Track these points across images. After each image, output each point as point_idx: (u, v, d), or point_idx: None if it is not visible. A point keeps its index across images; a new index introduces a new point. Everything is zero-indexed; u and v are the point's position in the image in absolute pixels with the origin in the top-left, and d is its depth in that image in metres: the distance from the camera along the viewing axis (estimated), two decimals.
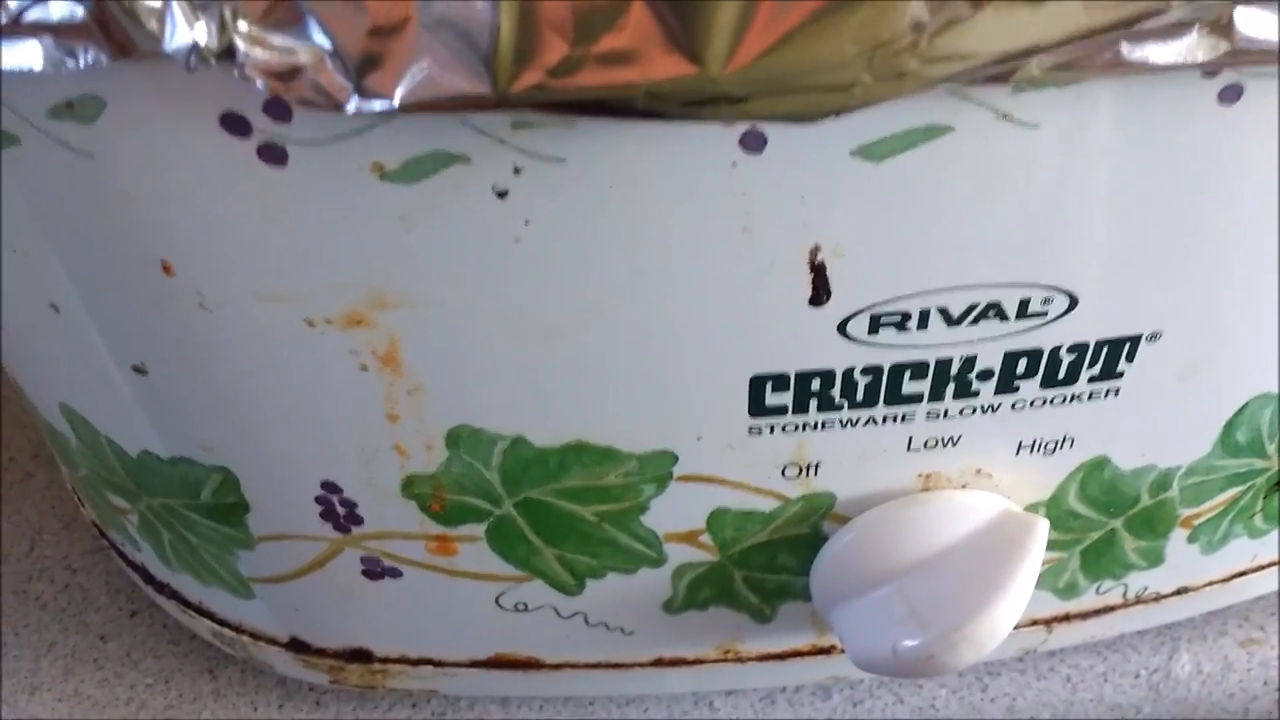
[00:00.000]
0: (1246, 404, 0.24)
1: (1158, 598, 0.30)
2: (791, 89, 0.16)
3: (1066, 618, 0.29)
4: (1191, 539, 0.28)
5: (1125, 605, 0.29)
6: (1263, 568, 0.30)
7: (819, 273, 0.20)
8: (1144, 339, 0.22)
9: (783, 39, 0.15)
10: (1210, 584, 0.30)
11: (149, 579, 0.31)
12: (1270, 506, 0.28)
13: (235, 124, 0.18)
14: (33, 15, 0.16)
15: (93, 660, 0.33)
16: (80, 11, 0.16)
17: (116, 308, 0.22)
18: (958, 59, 0.16)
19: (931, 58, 0.16)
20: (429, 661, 0.29)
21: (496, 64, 0.16)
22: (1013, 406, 0.23)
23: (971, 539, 0.24)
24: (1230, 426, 0.25)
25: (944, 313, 0.21)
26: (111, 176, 0.19)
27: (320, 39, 0.16)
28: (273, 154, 0.18)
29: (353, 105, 0.16)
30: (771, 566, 0.26)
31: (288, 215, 0.19)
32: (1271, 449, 0.26)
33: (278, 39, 0.16)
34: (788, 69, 0.16)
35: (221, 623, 0.30)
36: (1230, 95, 0.18)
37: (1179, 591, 0.30)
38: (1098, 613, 0.29)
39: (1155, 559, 0.28)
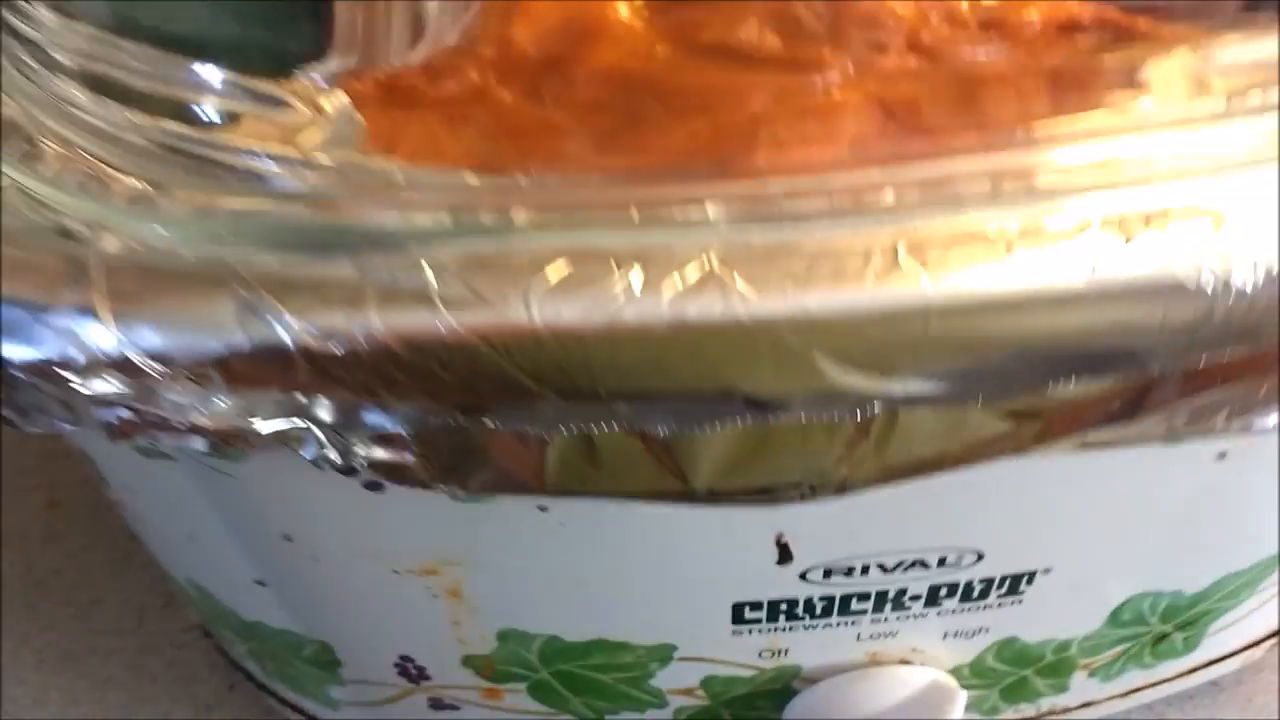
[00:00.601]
0: (1128, 599, 0.31)
1: (1066, 710, 0.36)
2: (750, 493, 0.22)
3: None
4: (1091, 675, 0.34)
5: (1039, 717, 0.36)
6: (1156, 684, 0.37)
7: (783, 548, 0.26)
8: (1039, 573, 0.28)
9: (741, 467, 0.21)
10: (1111, 698, 0.37)
11: (249, 676, 0.39)
12: (1158, 649, 0.34)
13: (347, 472, 0.24)
14: (201, 422, 0.22)
15: None
16: (241, 425, 0.22)
17: (245, 551, 0.28)
18: (881, 469, 0.22)
19: (857, 470, 0.22)
20: None
21: (545, 475, 0.22)
22: (938, 613, 0.30)
23: (907, 701, 0.31)
24: (1116, 612, 0.31)
25: (881, 566, 0.27)
26: (248, 488, 0.25)
27: (415, 453, 0.22)
28: (374, 487, 0.24)
29: (439, 489, 0.23)
30: (752, 709, 0.33)
31: (383, 518, 0.25)
32: (1153, 620, 0.32)
33: (383, 453, 0.22)
34: (747, 483, 0.22)
35: (311, 719, 0.37)
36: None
37: (1084, 705, 0.36)
38: None
39: (1061, 689, 0.35)
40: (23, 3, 0.25)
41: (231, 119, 0.23)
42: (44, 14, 0.25)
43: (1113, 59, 0.23)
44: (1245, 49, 0.23)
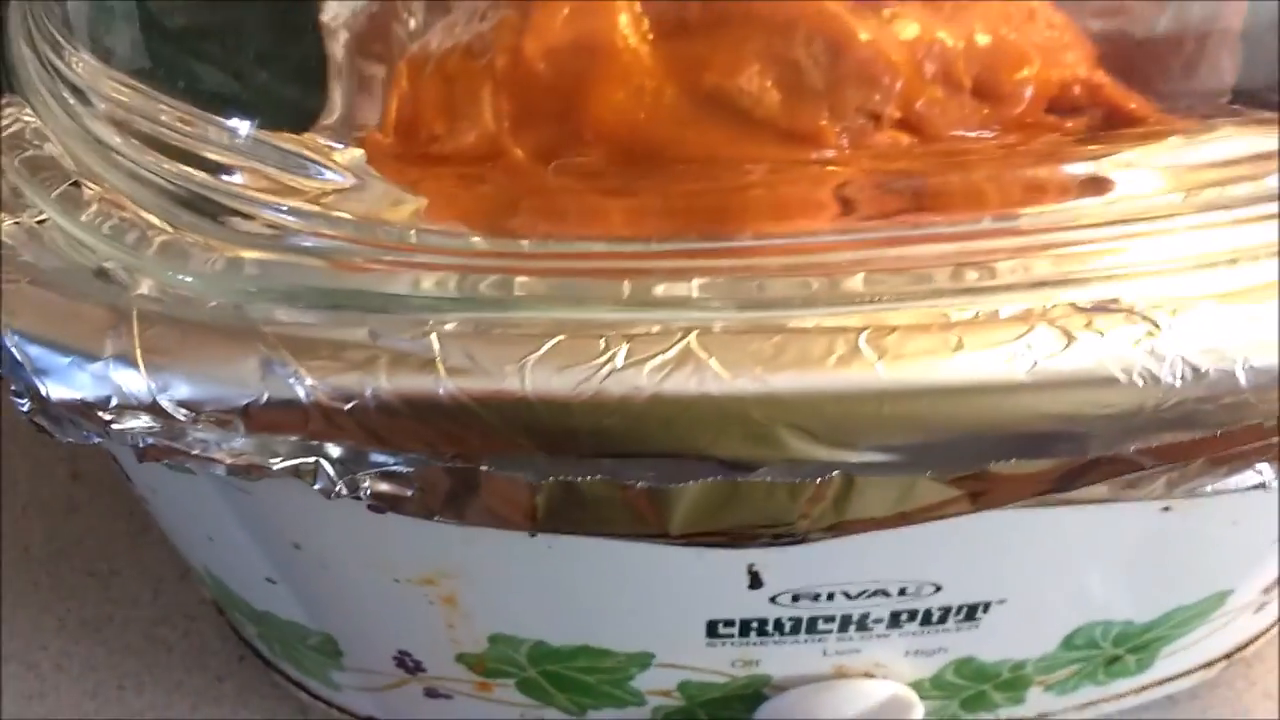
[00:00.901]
0: (1080, 626, 0.33)
1: None
2: (720, 537, 0.24)
3: None
4: (1047, 690, 0.37)
5: None
6: (1110, 700, 0.39)
7: (754, 575, 0.29)
8: (994, 603, 0.31)
9: (712, 516, 0.23)
10: (1066, 710, 0.39)
11: (256, 653, 0.41)
12: (1111, 669, 0.36)
13: (353, 498, 0.26)
14: (221, 456, 0.24)
15: (213, 698, 0.43)
16: (258, 461, 0.24)
17: (258, 553, 0.30)
18: (838, 524, 0.24)
19: (816, 523, 0.24)
20: None
21: (534, 512, 0.24)
22: (899, 634, 0.32)
23: (869, 711, 0.33)
24: (1069, 637, 0.33)
25: (845, 593, 0.29)
26: (262, 502, 0.28)
27: (415, 489, 0.24)
28: (378, 510, 0.27)
29: (437, 520, 0.25)
30: (726, 710, 0.35)
31: (385, 535, 0.28)
32: (1105, 645, 0.34)
33: (386, 487, 0.24)
34: (717, 530, 0.24)
35: (314, 697, 0.40)
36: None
37: (1040, 717, 0.39)
38: None
39: (1018, 702, 0.37)
40: (67, 47, 0.27)
41: (256, 173, 0.25)
42: (86, 59, 0.27)
43: (1097, 149, 0.25)
44: (1231, 144, 0.25)
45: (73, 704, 0.43)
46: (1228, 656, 0.40)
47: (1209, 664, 0.40)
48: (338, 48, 0.28)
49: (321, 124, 0.26)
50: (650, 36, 0.28)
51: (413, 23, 0.34)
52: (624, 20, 0.27)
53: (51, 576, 0.47)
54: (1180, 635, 0.35)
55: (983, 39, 0.28)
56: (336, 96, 0.28)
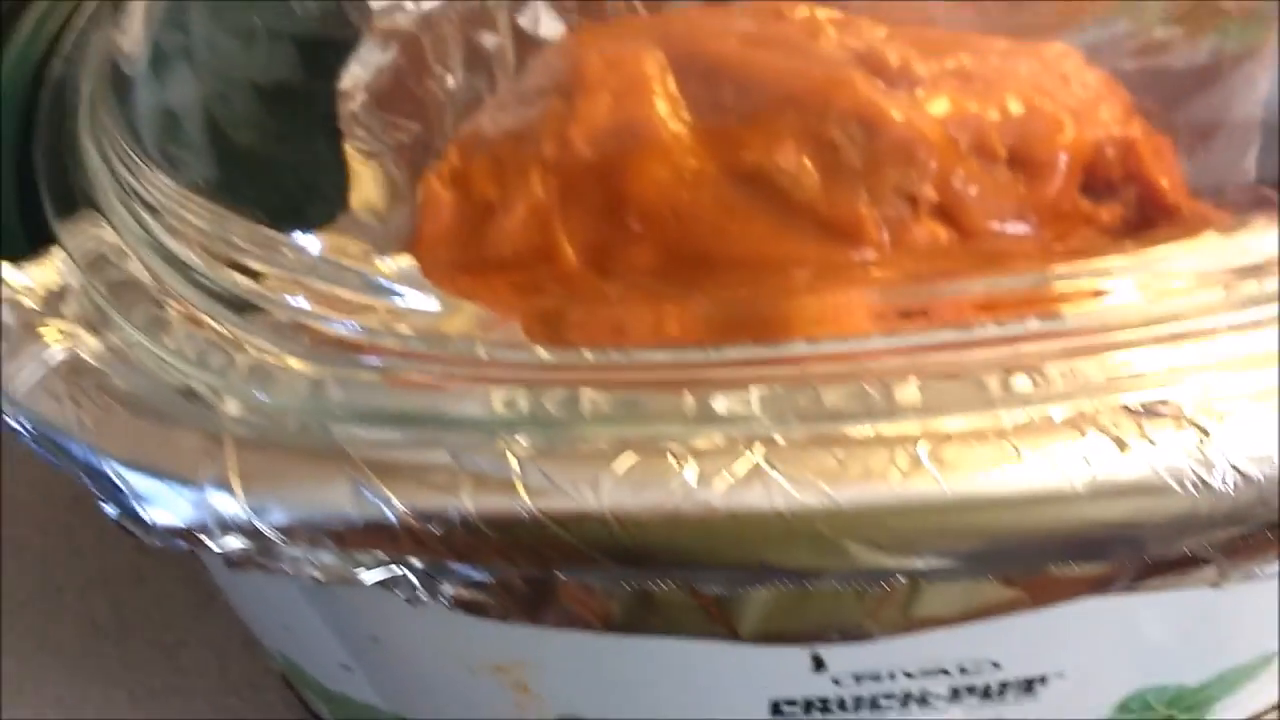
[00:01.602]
0: (1134, 692, 0.34)
1: None
2: (788, 637, 0.25)
3: None
4: None
5: None
6: None
7: (818, 660, 0.29)
8: (1051, 676, 0.31)
9: (781, 620, 0.24)
10: None
11: None
12: None
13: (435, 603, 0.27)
14: (312, 572, 0.25)
15: None
16: (346, 574, 0.25)
17: (335, 642, 0.32)
18: (903, 624, 0.25)
19: (885, 625, 0.25)
20: None
21: (609, 617, 0.25)
22: (960, 708, 0.32)
23: None
24: (1123, 703, 0.34)
25: (906, 673, 0.30)
26: (342, 601, 0.29)
27: (494, 596, 0.25)
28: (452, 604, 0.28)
29: (514, 623, 0.26)
30: None
31: (461, 630, 0.29)
32: (1158, 707, 0.35)
33: (467, 594, 0.25)
34: (786, 632, 0.25)
35: None
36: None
37: None
38: None
39: None
40: (138, 162, 0.28)
41: (324, 291, 0.26)
42: (156, 175, 0.28)
43: (1133, 246, 0.26)
44: (1267, 239, 0.25)
45: None
46: (1278, 707, 0.40)
47: (1260, 716, 0.40)
48: (355, 119, 0.30)
49: (363, 218, 0.28)
50: (687, 119, 0.29)
51: (451, 81, 0.35)
52: (662, 106, 0.29)
53: (119, 649, 0.49)
54: (1231, 692, 0.36)
55: (1015, 108, 0.29)
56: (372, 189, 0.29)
